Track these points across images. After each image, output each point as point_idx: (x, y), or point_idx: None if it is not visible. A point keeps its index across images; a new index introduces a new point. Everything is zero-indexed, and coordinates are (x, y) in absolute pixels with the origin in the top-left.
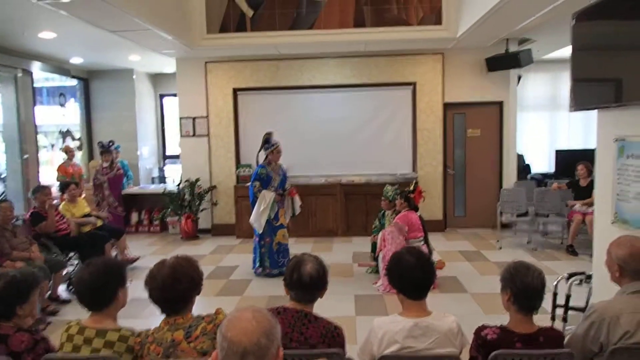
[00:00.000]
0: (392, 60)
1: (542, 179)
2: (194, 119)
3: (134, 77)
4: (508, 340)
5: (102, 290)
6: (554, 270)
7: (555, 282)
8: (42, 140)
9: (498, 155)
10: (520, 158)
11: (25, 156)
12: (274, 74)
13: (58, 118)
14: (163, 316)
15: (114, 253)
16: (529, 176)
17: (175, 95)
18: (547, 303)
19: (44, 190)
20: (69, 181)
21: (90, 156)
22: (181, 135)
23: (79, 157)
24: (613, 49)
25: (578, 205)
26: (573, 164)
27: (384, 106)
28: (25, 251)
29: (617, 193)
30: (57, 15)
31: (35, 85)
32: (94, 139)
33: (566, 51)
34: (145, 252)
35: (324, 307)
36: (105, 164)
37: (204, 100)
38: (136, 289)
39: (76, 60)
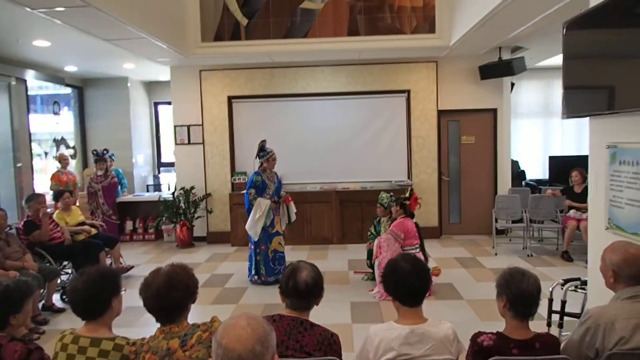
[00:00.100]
0: (386, 68)
1: (537, 186)
2: (188, 126)
3: (129, 85)
4: (504, 346)
5: (96, 299)
6: (550, 276)
7: (550, 288)
8: (36, 148)
9: (492, 161)
10: (514, 164)
11: (19, 164)
12: (269, 82)
13: (52, 126)
14: (158, 325)
15: (108, 262)
16: (523, 182)
17: (169, 103)
18: (542, 309)
19: (38, 198)
20: (63, 189)
21: (85, 164)
22: (176, 143)
23: (73, 165)
24: (604, 57)
25: (572, 212)
26: (567, 170)
27: (378, 114)
28: (18, 260)
29: (610, 199)
30: (52, 23)
31: (29, 93)
32: (89, 147)
33: (559, 59)
34: (140, 261)
35: (320, 315)
36: (100, 172)
37: (198, 108)
38: (131, 297)
39: (70, 68)
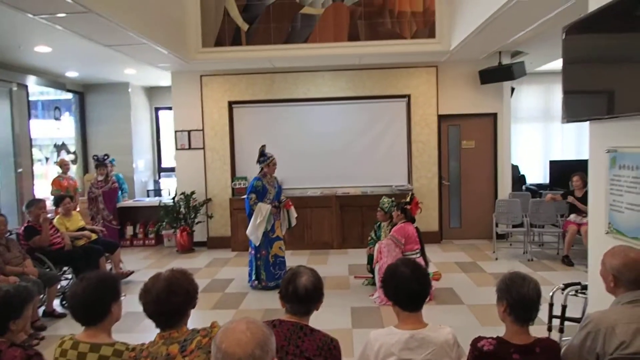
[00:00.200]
0: (386, 73)
1: (537, 190)
2: (189, 132)
3: (130, 90)
4: (504, 351)
5: (95, 304)
6: (550, 280)
7: (551, 293)
8: (36, 153)
9: (493, 166)
10: (515, 169)
11: (20, 170)
12: (269, 87)
13: (53, 131)
14: (158, 330)
15: (108, 267)
16: (524, 187)
17: (170, 108)
18: (543, 314)
19: (38, 204)
20: (63, 195)
21: (85, 170)
22: (177, 148)
23: (73, 170)
24: (604, 62)
25: (573, 216)
26: (567, 175)
27: (378, 118)
28: (18, 266)
29: (610, 203)
30: (53, 29)
31: (30, 98)
32: (89, 153)
33: (559, 63)
34: (140, 266)
35: (320, 320)
36: (100, 178)
37: (199, 113)
38: (131, 302)
39: (71, 74)
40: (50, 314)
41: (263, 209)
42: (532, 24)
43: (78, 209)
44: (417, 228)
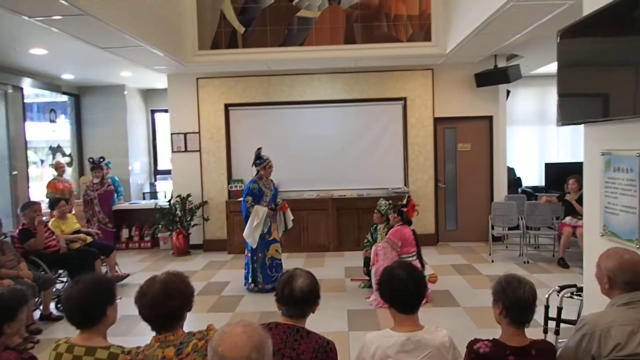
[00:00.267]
0: (382, 76)
1: (533, 192)
2: (185, 134)
3: (125, 92)
4: (500, 353)
5: (91, 307)
6: (546, 283)
7: (547, 295)
8: (31, 156)
9: (489, 168)
10: (510, 171)
11: (15, 172)
12: (266, 90)
13: (48, 134)
14: (153, 333)
15: (103, 270)
16: (519, 189)
17: (166, 110)
18: (539, 316)
19: (34, 206)
20: (58, 197)
21: (81, 172)
22: (172, 151)
23: (69, 173)
24: (598, 65)
25: (568, 219)
26: (563, 177)
27: (375, 121)
28: (13, 269)
29: (605, 206)
30: (49, 32)
31: (25, 101)
32: (85, 155)
33: (553, 67)
34: (135, 269)
35: (316, 322)
36: (96, 180)
37: (195, 115)
38: (126, 305)
39: (67, 76)
40: (47, 318)
41: (260, 212)
42: (527, 28)
43: (73, 212)
44: (413, 230)
